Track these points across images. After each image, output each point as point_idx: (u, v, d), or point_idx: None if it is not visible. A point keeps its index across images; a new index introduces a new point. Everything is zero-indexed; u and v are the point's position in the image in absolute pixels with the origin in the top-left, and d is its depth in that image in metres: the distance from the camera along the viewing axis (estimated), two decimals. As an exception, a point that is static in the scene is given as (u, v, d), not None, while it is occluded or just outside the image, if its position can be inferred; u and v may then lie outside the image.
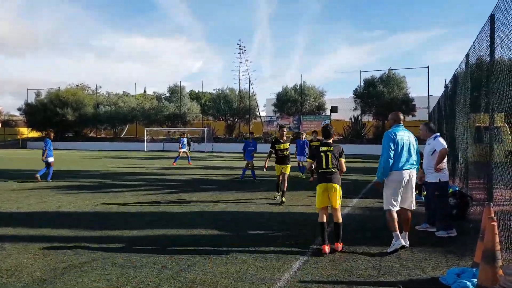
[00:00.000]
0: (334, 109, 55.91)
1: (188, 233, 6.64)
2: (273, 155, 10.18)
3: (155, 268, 4.86)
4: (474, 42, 7.69)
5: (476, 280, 4.09)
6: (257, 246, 5.79)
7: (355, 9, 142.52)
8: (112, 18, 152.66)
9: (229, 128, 49.83)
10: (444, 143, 6.65)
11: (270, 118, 46.00)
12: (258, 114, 50.73)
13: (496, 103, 5.46)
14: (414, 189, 5.86)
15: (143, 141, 45.41)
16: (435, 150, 6.63)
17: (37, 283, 4.39)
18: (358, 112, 41.57)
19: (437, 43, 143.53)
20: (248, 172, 14.91)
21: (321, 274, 4.65)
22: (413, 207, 5.87)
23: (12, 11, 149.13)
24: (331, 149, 5.86)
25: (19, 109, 56.65)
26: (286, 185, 9.67)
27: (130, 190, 11.74)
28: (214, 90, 54.41)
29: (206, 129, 43.84)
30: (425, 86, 37.61)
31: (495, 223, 4.03)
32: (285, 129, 10.33)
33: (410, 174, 5.71)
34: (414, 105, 39.74)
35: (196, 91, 62.37)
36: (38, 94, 55.96)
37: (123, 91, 61.17)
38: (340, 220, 5.73)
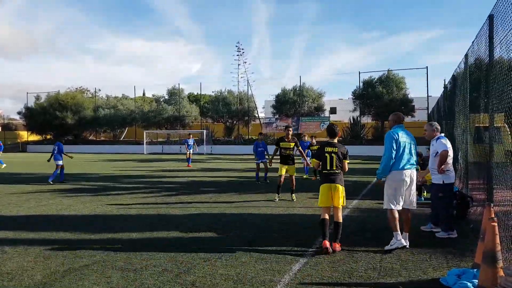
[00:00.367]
0: (333, 110, 55.99)
1: (188, 235, 6.63)
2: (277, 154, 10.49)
3: (155, 270, 4.85)
4: (473, 43, 7.70)
5: (476, 281, 4.08)
6: (257, 248, 5.78)
7: (354, 10, 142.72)
8: (110, 21, 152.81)
9: (228, 130, 49.82)
10: (446, 145, 6.60)
11: (269, 120, 46.03)
12: (257, 115, 50.74)
13: (496, 103, 5.47)
14: (415, 189, 5.90)
15: (143, 144, 45.38)
16: (437, 152, 6.63)
17: (37, 286, 4.38)
18: (357, 113, 41.60)
19: (436, 43, 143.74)
20: (261, 174, 14.40)
21: (321, 275, 4.64)
22: (414, 207, 5.91)
23: (11, 15, 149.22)
24: (336, 150, 5.92)
25: (19, 113, 56.72)
26: (294, 183, 10.13)
27: (129, 193, 11.73)
28: (213, 92, 54.45)
29: (205, 131, 43.85)
30: (424, 87, 37.55)
31: (496, 224, 4.02)
32: (290, 129, 10.48)
33: (411, 174, 5.77)
34: (413, 105, 39.77)
35: (195, 94, 62.34)
36: (37, 97, 55.99)
37: (122, 94, 61.16)
38: (340, 220, 5.80)
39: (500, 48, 5.24)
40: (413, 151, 5.85)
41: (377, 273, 4.73)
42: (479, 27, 6.61)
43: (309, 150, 15.68)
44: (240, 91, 49.99)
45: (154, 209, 9.03)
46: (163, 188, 12.91)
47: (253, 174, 16.97)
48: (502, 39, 5.12)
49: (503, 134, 5.65)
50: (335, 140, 6.11)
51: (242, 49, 50.97)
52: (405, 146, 5.73)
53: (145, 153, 42.89)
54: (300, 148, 10.55)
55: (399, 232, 5.61)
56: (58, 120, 50.39)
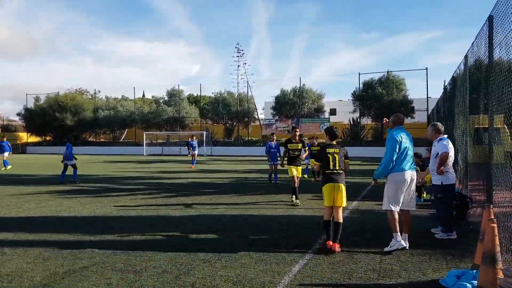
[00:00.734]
0: (332, 112, 56.03)
1: (187, 236, 6.63)
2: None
3: (155, 272, 4.85)
4: (472, 44, 7.71)
5: (476, 282, 4.08)
6: (257, 249, 5.78)
7: (353, 11, 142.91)
8: (110, 22, 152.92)
9: (228, 131, 49.84)
10: (447, 147, 6.57)
11: (269, 121, 46.05)
12: (256, 117, 50.77)
13: (495, 104, 5.47)
14: (414, 190, 5.91)
15: (142, 145, 45.40)
16: (438, 153, 6.63)
17: (36, 288, 4.37)
18: (357, 114, 41.63)
19: (436, 45, 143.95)
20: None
21: (321, 277, 4.64)
22: (413, 208, 5.93)
23: (10, 16, 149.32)
24: (338, 151, 6.05)
25: (18, 114, 56.70)
26: (297, 183, 9.96)
27: (129, 194, 11.72)
28: (212, 93, 54.38)
29: (204, 132, 43.88)
30: (424, 88, 37.59)
31: (495, 225, 4.02)
32: (297, 130, 10.33)
33: (412, 175, 5.79)
34: (413, 107, 39.82)
35: (195, 95, 62.39)
36: (37, 99, 56.00)
37: (122, 95, 61.16)
38: (341, 220, 5.82)
39: (500, 49, 5.25)
40: (412, 153, 5.91)
41: (377, 274, 4.73)
42: (478, 28, 6.62)
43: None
44: (240, 92, 50.06)
45: (154, 210, 9.03)
46: (163, 189, 12.91)
47: (253, 175, 17.02)
48: (501, 40, 5.13)
49: (502, 135, 5.66)
50: (335, 142, 6.25)
51: (242, 50, 50.97)
52: (406, 148, 5.76)
53: (144, 154, 42.89)
54: (306, 149, 10.47)
55: (399, 233, 5.63)
56: (57, 121, 50.38)
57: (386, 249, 5.59)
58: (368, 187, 12.90)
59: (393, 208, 5.68)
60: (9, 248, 5.94)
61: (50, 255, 5.57)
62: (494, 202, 5.45)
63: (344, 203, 5.96)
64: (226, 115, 48.15)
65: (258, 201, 10.29)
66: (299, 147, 10.03)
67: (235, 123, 49.47)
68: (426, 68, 38.03)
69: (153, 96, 59.86)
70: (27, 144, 54.32)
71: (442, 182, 6.62)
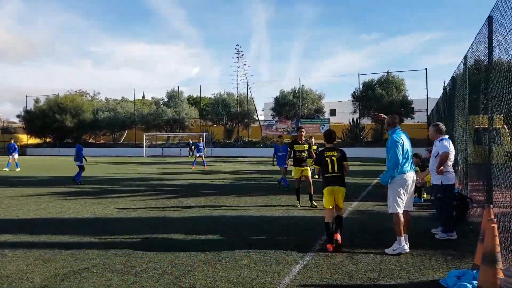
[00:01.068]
0: (332, 113, 56.06)
1: (188, 237, 6.63)
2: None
3: (155, 273, 4.85)
4: (472, 44, 7.71)
5: (476, 282, 4.08)
6: (257, 250, 5.77)
7: (353, 13, 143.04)
8: (109, 25, 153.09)
9: (228, 132, 49.86)
10: (447, 146, 6.56)
11: (269, 122, 46.05)
12: (256, 118, 50.78)
13: (495, 105, 5.48)
14: (413, 191, 5.93)
15: (142, 147, 45.43)
16: (438, 153, 6.62)
17: (37, 290, 4.37)
18: (357, 115, 41.66)
19: (435, 45, 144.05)
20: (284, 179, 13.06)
21: (321, 277, 4.64)
22: (411, 208, 5.94)
23: (10, 19, 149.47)
24: (335, 153, 6.19)
25: (18, 116, 56.77)
26: (312, 188, 9.63)
27: (129, 196, 11.72)
28: (212, 94, 54.63)
29: (204, 133, 43.90)
30: (424, 89, 37.64)
31: (495, 225, 4.02)
32: (303, 131, 10.07)
33: (413, 176, 5.79)
34: (413, 107, 39.86)
35: (195, 96, 62.42)
36: (37, 101, 56.06)
37: (122, 97, 61.27)
38: (342, 214, 6.20)
39: (499, 50, 5.25)
40: (411, 153, 5.89)
41: (377, 274, 4.73)
42: (478, 28, 6.63)
43: None
44: (240, 93, 50.09)
45: (154, 212, 9.03)
46: (163, 191, 12.90)
47: (253, 176, 17.03)
48: (501, 41, 5.13)
49: (502, 136, 5.66)
50: (333, 145, 6.42)
51: (242, 51, 51.09)
52: (407, 149, 5.75)
53: (144, 156, 42.91)
54: (312, 150, 10.08)
55: (403, 237, 5.59)
56: (57, 123, 50.43)
57: (388, 251, 5.56)
58: (368, 188, 12.90)
59: (399, 210, 5.64)
60: (9, 250, 5.94)
61: (50, 257, 5.57)
62: (494, 202, 5.46)
63: (342, 206, 6.22)
64: (226, 116, 48.18)
65: (258, 202, 10.29)
66: (305, 148, 9.82)
67: (235, 124, 49.49)
68: (426, 68, 38.12)
69: (153, 98, 59.92)
70: (27, 145, 54.30)
71: (442, 182, 6.62)
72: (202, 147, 23.50)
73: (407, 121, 40.70)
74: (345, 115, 48.24)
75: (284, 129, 43.63)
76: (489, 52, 5.67)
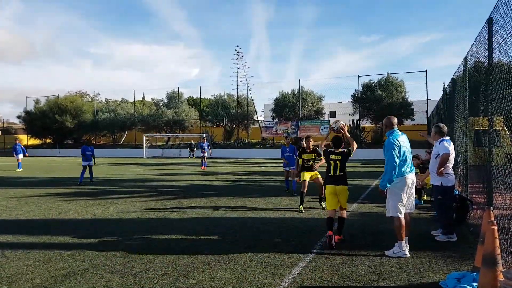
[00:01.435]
0: (332, 114, 56.02)
1: (187, 239, 6.62)
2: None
3: (154, 274, 4.84)
4: (472, 46, 7.72)
5: (476, 284, 4.07)
6: (257, 252, 5.77)
7: (352, 14, 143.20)
8: (109, 25, 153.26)
9: (228, 133, 49.86)
10: (448, 148, 6.55)
11: (269, 124, 46.03)
12: (256, 119, 50.77)
13: (495, 106, 5.47)
14: (414, 193, 5.88)
15: (142, 148, 45.42)
16: (439, 154, 6.61)
17: (36, 291, 4.36)
18: (357, 116, 41.65)
19: (435, 47, 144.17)
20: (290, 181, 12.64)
21: (320, 279, 4.64)
22: (413, 210, 5.89)
23: (9, 20, 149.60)
24: (340, 158, 6.62)
25: (18, 117, 56.86)
26: (323, 190, 9.16)
27: (129, 197, 11.71)
28: (212, 96, 54.49)
29: (204, 135, 43.87)
30: (424, 90, 37.63)
31: (495, 227, 4.02)
32: (311, 140, 9.96)
33: (412, 178, 5.72)
34: (413, 109, 39.82)
35: (194, 97, 62.41)
36: (37, 101, 56.14)
37: (122, 98, 61.32)
38: (345, 216, 6.61)
39: (499, 51, 5.25)
40: (410, 154, 5.81)
41: (377, 276, 4.72)
42: (478, 30, 6.63)
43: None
44: (240, 94, 50.08)
45: (154, 213, 9.02)
46: (162, 192, 12.90)
47: (253, 177, 17.03)
48: (501, 42, 5.13)
49: (502, 137, 5.65)
50: (339, 150, 6.73)
51: (241, 52, 51.13)
52: (405, 151, 5.65)
53: (144, 157, 42.89)
54: (322, 157, 9.97)
55: (404, 242, 5.55)
56: (57, 124, 50.49)
57: (388, 253, 5.54)
58: (368, 190, 12.89)
59: (399, 214, 5.57)
60: (9, 251, 5.94)
61: (50, 258, 5.57)
62: (494, 204, 5.45)
63: (345, 206, 6.62)
64: (225, 117, 48.18)
65: (258, 203, 10.28)
66: (313, 157, 9.75)
67: (234, 125, 49.49)
68: (426, 70, 38.07)
69: (153, 99, 59.98)
70: (27, 146, 54.27)
71: (441, 183, 6.61)
72: (206, 147, 23.77)
73: (407, 122, 40.69)
74: (344, 117, 48.13)
75: (284, 131, 43.61)
76: (489, 54, 5.67)
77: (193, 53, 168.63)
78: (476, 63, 7.45)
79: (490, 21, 5.66)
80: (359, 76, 41.58)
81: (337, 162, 6.59)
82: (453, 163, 6.89)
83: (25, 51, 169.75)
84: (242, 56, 50.76)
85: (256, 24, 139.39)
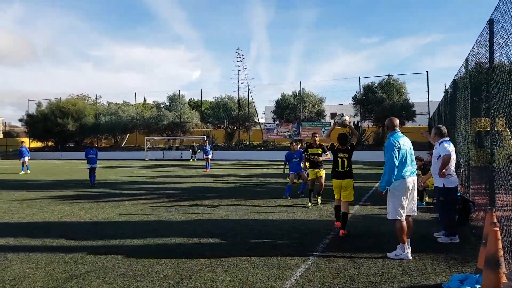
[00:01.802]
0: (333, 116, 55.91)
1: (189, 241, 6.62)
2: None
3: (156, 277, 4.84)
4: (473, 47, 7.71)
5: (479, 286, 4.06)
6: (258, 254, 5.76)
7: (353, 16, 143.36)
8: (110, 28, 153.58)
9: (229, 136, 49.86)
10: (449, 149, 6.51)
11: (270, 126, 46.02)
12: (257, 121, 50.77)
13: (497, 108, 5.47)
14: (416, 195, 5.85)
15: (144, 150, 45.46)
16: (440, 155, 6.59)
17: (38, 294, 4.36)
18: (358, 118, 41.60)
19: (436, 48, 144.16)
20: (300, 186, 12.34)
21: (322, 281, 4.63)
22: (415, 213, 5.85)
23: (10, 23, 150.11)
24: (347, 155, 7.19)
25: (20, 120, 56.98)
26: (323, 189, 10.41)
27: (131, 199, 11.72)
28: (213, 98, 54.51)
29: (205, 137, 43.89)
30: (425, 92, 37.58)
31: (498, 229, 4.01)
32: (317, 136, 10.65)
33: (413, 181, 5.69)
34: (414, 110, 39.75)
35: (196, 100, 62.46)
36: (39, 104, 56.26)
37: (123, 101, 61.38)
38: (347, 211, 6.97)
39: (501, 52, 5.25)
40: (412, 157, 5.77)
41: (379, 278, 4.71)
42: (479, 31, 6.63)
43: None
44: (241, 96, 50.07)
45: (155, 215, 9.02)
46: (164, 194, 12.90)
47: (254, 179, 17.00)
48: (502, 44, 5.13)
49: (504, 139, 5.64)
50: (345, 147, 7.23)
51: (242, 55, 51.05)
52: (406, 153, 5.62)
53: (146, 159, 42.92)
54: (327, 153, 10.16)
55: (407, 244, 5.53)
56: (59, 127, 50.57)
57: (390, 255, 5.52)
58: (369, 192, 12.88)
59: (399, 217, 5.55)
60: (11, 253, 5.94)
61: (52, 260, 5.57)
62: (496, 206, 5.44)
63: (351, 198, 7.14)
64: (226, 119, 48.18)
65: (259, 205, 10.28)
66: (320, 152, 10.31)
67: (235, 127, 49.48)
68: (427, 71, 38.02)
69: (154, 101, 60.05)
70: (29, 149, 54.43)
71: (444, 185, 6.59)
72: (209, 149, 24.06)
73: (409, 124, 40.65)
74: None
75: (285, 133, 43.61)
76: (490, 55, 5.67)
77: (194, 56, 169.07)
78: (477, 64, 7.45)
79: (491, 22, 5.66)
80: (360, 78, 41.56)
81: (344, 159, 7.16)
82: (454, 164, 6.87)
83: (27, 54, 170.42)
84: (243, 58, 50.76)
85: (256, 25, 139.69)
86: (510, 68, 4.72)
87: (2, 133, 64.34)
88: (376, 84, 41.08)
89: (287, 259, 5.52)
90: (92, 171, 16.07)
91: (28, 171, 23.69)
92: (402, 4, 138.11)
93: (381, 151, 5.87)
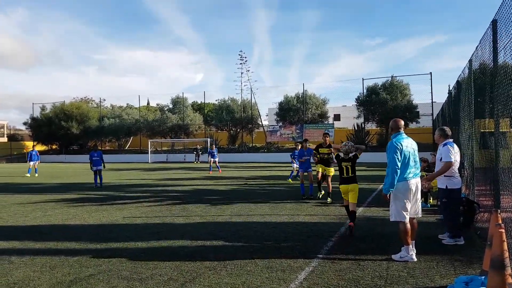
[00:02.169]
0: (336, 117, 55.98)
1: (193, 244, 6.62)
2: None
3: (160, 280, 4.84)
4: (477, 48, 7.68)
5: (485, 288, 4.04)
6: (262, 257, 5.75)
7: (355, 17, 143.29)
8: (114, 32, 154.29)
9: (232, 138, 49.90)
10: (451, 154, 6.41)
11: (273, 128, 46.03)
12: (260, 123, 50.79)
13: (501, 108, 5.44)
14: (420, 197, 5.82)
15: (147, 153, 45.55)
16: (441, 157, 6.56)
17: (43, 297, 4.37)
18: (361, 119, 41.55)
19: (440, 49, 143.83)
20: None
21: (327, 284, 4.61)
22: (420, 215, 5.82)
23: (14, 27, 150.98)
24: (350, 164, 7.81)
25: (25, 123, 57.27)
26: (330, 187, 11.17)
27: (135, 202, 11.74)
28: (216, 100, 54.67)
29: (209, 139, 43.93)
30: (429, 93, 37.62)
31: (503, 230, 3.98)
32: (328, 136, 11.60)
33: (416, 183, 5.66)
34: (418, 111, 39.69)
35: (199, 102, 62.62)
36: (43, 108, 56.57)
37: (127, 104, 61.68)
38: (355, 210, 7.55)
39: (504, 53, 5.23)
40: (416, 158, 5.73)
41: (384, 281, 4.69)
42: (482, 32, 6.61)
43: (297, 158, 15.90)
44: (244, 99, 50.16)
45: (159, 218, 9.03)
46: (168, 197, 12.91)
47: (257, 182, 16.98)
48: (506, 44, 5.11)
49: (508, 139, 5.62)
50: (348, 157, 7.82)
51: (245, 57, 51.23)
52: (409, 155, 5.58)
53: (149, 162, 43.02)
54: (332, 151, 11.14)
55: (411, 246, 5.50)
56: (63, 130, 50.82)
57: (395, 257, 5.50)
58: (373, 193, 12.84)
59: (403, 219, 5.52)
60: (16, 257, 5.96)
61: (56, 264, 5.58)
62: (501, 207, 5.41)
63: (356, 201, 7.61)
64: (230, 122, 48.23)
65: (263, 208, 10.27)
66: (330, 151, 11.16)
67: (239, 129, 49.53)
68: (430, 72, 38.05)
69: (157, 104, 60.17)
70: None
71: (446, 186, 6.56)
72: (215, 153, 24.78)
73: (412, 125, 40.57)
74: (349, 120, 48.15)
75: (288, 135, 43.60)
76: (494, 56, 5.64)
77: (197, 59, 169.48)
78: (481, 65, 7.42)
79: (494, 23, 5.64)
80: (363, 79, 41.55)
81: (348, 167, 7.78)
82: (458, 164, 6.84)
83: (31, 58, 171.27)
84: (246, 60, 50.83)
85: (259, 28, 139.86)
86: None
87: (7, 137, 64.60)
88: (379, 85, 41.03)
89: (291, 261, 5.50)
90: (96, 173, 16.38)
91: (36, 175, 23.94)
92: (405, 6, 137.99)
93: (385, 153, 5.84)
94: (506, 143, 5.64)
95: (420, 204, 5.81)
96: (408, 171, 5.56)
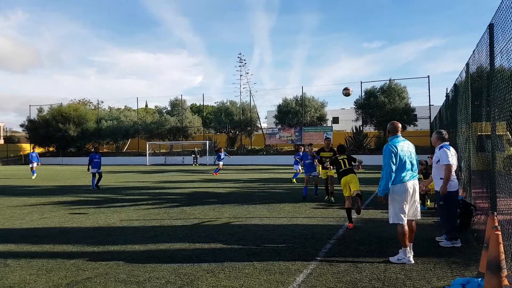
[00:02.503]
0: (335, 120, 56.06)
1: (191, 247, 6.61)
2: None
3: (158, 283, 4.83)
4: (474, 52, 7.72)
5: (482, 290, 4.05)
6: (261, 259, 5.75)
7: (355, 21, 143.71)
8: (113, 34, 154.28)
9: (231, 140, 49.90)
10: (448, 157, 6.42)
11: (272, 131, 46.06)
12: (259, 126, 50.82)
13: (497, 112, 5.47)
14: (418, 199, 5.83)
15: (145, 155, 45.50)
16: (439, 160, 6.58)
17: (40, 300, 4.36)
18: (360, 122, 41.63)
19: (438, 52, 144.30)
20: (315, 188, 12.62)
21: (325, 286, 4.61)
22: (418, 217, 5.83)
23: (14, 29, 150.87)
24: (345, 157, 8.42)
25: (21, 125, 57.06)
26: (332, 187, 11.69)
27: (132, 205, 11.72)
28: (215, 103, 54.60)
29: (207, 142, 43.92)
30: (426, 96, 37.77)
31: (500, 232, 4.00)
32: (329, 141, 12.33)
33: (414, 185, 5.67)
34: (416, 115, 39.82)
35: (198, 105, 62.63)
36: (40, 110, 56.36)
37: (125, 106, 61.64)
38: (360, 193, 7.84)
39: (501, 57, 5.26)
40: (414, 161, 5.75)
41: (381, 283, 4.69)
42: (479, 36, 6.64)
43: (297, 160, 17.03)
44: (243, 101, 50.21)
45: (157, 221, 9.02)
46: (166, 200, 12.90)
47: (256, 184, 16.98)
48: (502, 48, 5.15)
49: (505, 142, 5.64)
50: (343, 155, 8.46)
51: (244, 60, 51.33)
52: (405, 157, 5.61)
53: (148, 164, 42.95)
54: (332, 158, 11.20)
55: (409, 248, 5.51)
56: (60, 132, 50.64)
57: (392, 259, 5.52)
58: (371, 196, 12.86)
59: (401, 222, 5.53)
60: (12, 260, 5.94)
61: (53, 267, 5.56)
62: (498, 210, 5.43)
63: (358, 188, 7.88)
64: (228, 124, 48.25)
65: (261, 210, 10.26)
66: (331, 155, 11.43)
67: (237, 132, 49.54)
68: (428, 76, 38.20)
69: (156, 106, 60.21)
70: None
71: None
72: (223, 156, 26.07)
73: (410, 128, 40.68)
74: (348, 123, 48.22)
75: (287, 138, 43.63)
76: (491, 60, 5.67)
77: (196, 61, 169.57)
78: (478, 68, 7.45)
79: (491, 27, 5.67)
80: (361, 82, 41.65)
81: (345, 160, 8.32)
82: (456, 167, 6.85)
83: (30, 60, 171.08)
84: (245, 63, 50.96)
85: (258, 31, 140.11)
86: (511, 72, 4.73)
87: (3, 139, 64.44)
88: (377, 88, 41.17)
89: (290, 264, 5.51)
90: (95, 176, 16.42)
91: (34, 176, 23.99)
92: (404, 9, 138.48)
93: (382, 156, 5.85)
94: (503, 146, 5.66)
95: (419, 206, 5.81)
96: (404, 173, 5.58)
